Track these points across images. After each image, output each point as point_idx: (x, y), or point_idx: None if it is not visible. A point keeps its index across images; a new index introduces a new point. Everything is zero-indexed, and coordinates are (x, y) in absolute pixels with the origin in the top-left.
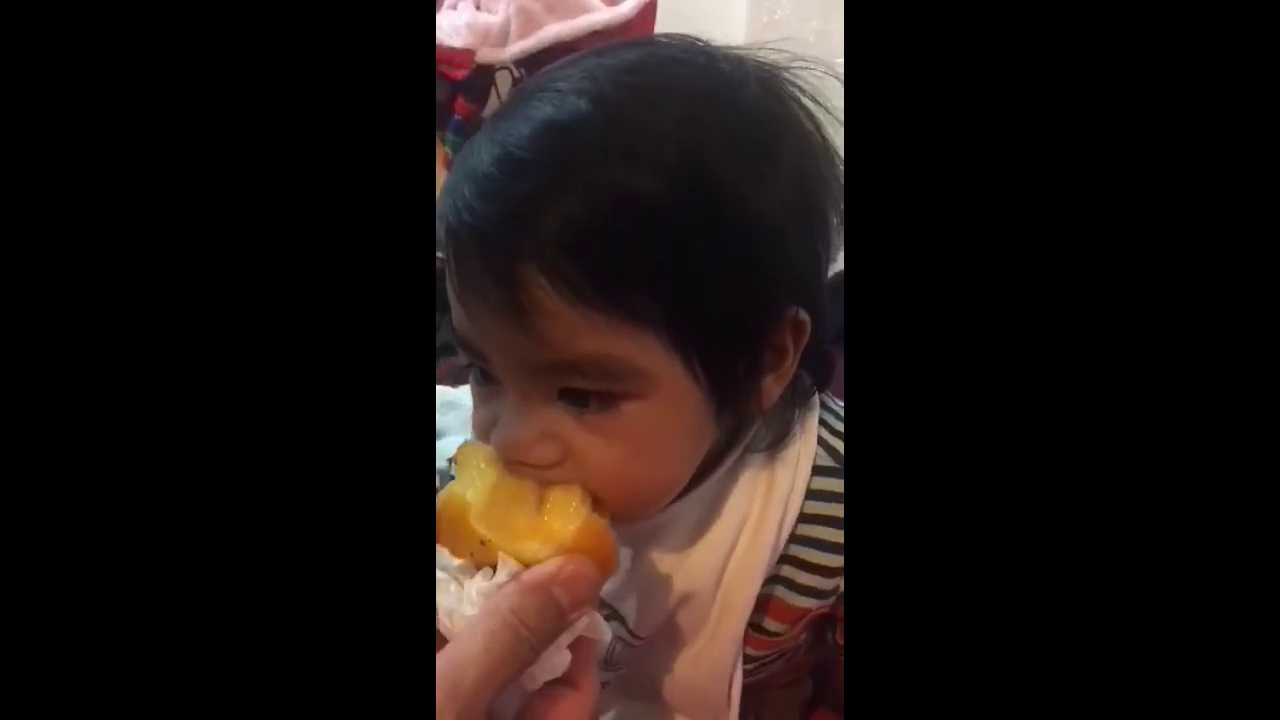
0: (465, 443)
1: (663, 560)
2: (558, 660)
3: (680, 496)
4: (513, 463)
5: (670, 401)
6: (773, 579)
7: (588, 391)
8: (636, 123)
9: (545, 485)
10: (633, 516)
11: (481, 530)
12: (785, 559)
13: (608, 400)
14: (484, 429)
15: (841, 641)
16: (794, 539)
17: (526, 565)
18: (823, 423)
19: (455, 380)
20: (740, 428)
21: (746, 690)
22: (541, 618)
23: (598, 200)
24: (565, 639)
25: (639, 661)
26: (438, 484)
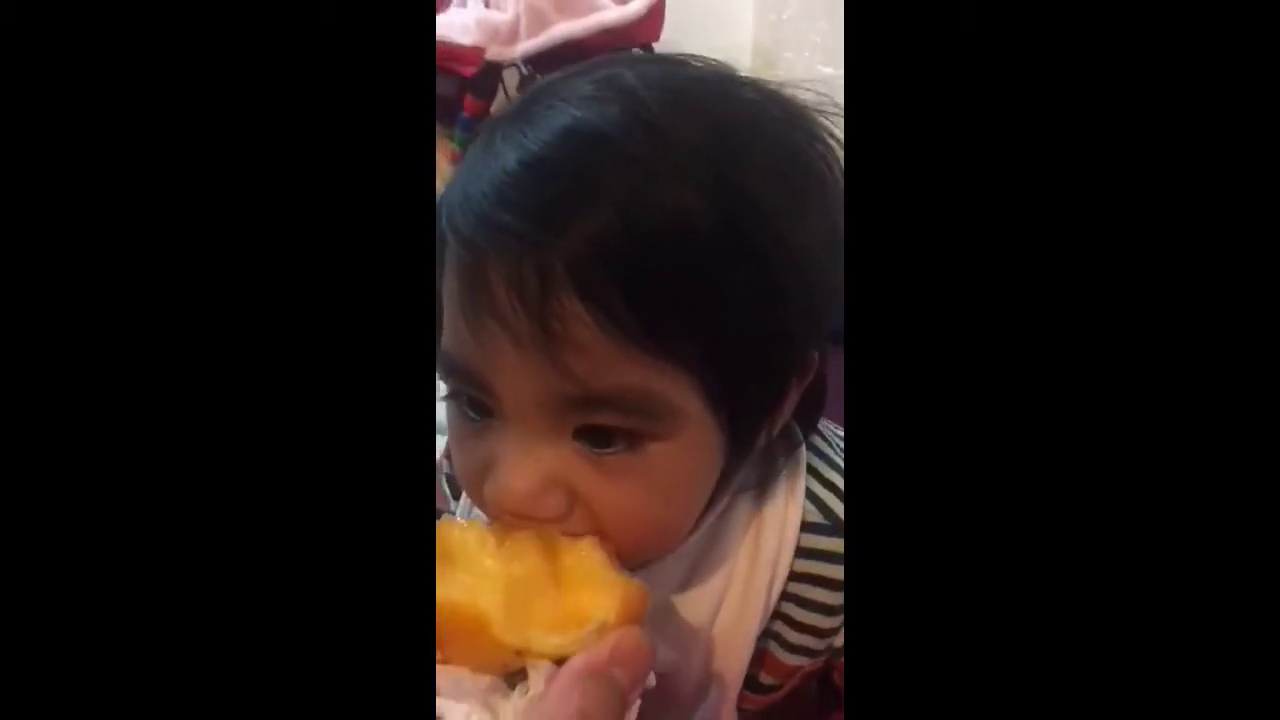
0: (443, 524)
1: (656, 619)
2: None
3: (669, 562)
4: (514, 516)
5: (694, 443)
6: (765, 634)
7: (613, 430)
8: (674, 137)
9: (552, 551)
10: (644, 561)
11: (511, 640)
12: (777, 615)
13: (634, 440)
14: (473, 474)
15: (840, 683)
16: (785, 596)
17: (563, 660)
18: (812, 472)
19: None
20: (738, 467)
21: None
22: (606, 707)
23: (637, 215)
24: None
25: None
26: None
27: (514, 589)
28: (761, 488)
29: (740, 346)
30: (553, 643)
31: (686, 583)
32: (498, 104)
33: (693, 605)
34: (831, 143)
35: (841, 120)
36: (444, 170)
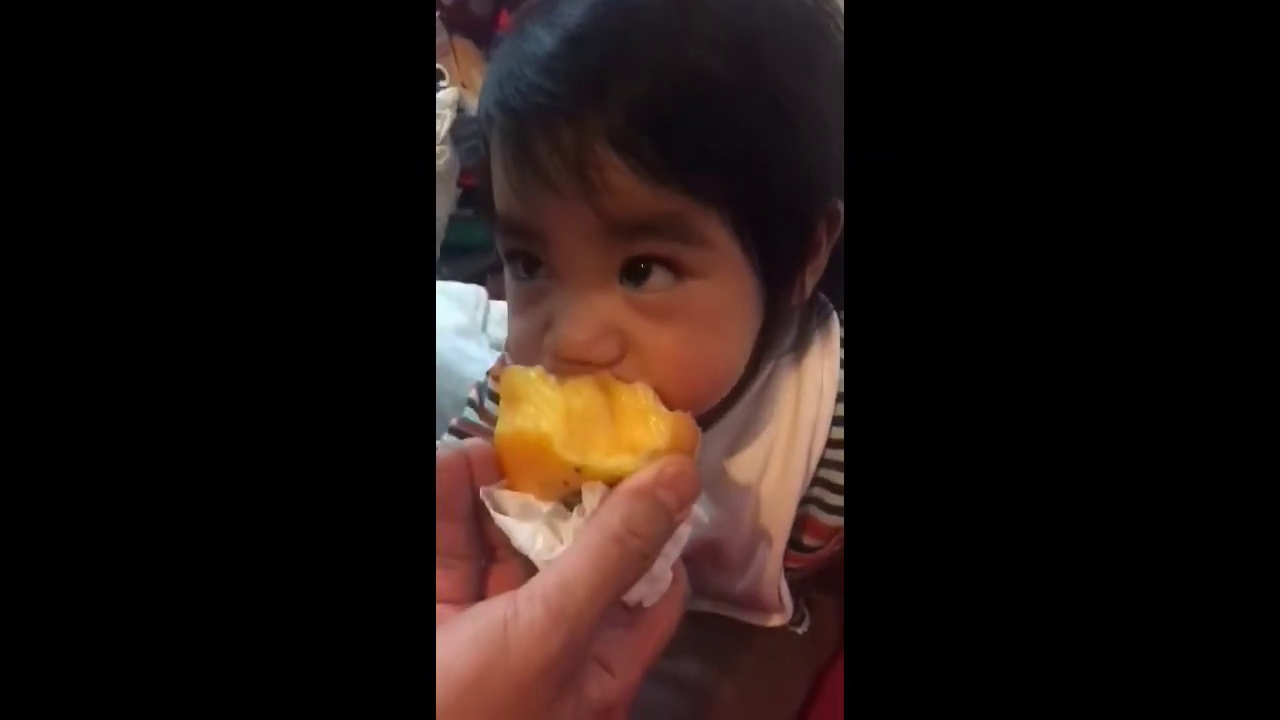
0: (508, 370)
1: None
2: (660, 570)
3: (718, 415)
4: (572, 363)
5: (729, 281)
6: (805, 500)
7: (654, 260)
8: (694, 5)
9: (608, 392)
10: (693, 406)
11: (573, 458)
12: (816, 481)
13: (671, 273)
14: (531, 334)
15: None
16: (824, 463)
17: (616, 482)
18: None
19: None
20: (776, 326)
21: (793, 586)
22: (653, 524)
23: (668, 77)
24: (672, 549)
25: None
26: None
27: (574, 416)
28: (798, 355)
29: (764, 185)
30: (609, 464)
31: (732, 449)
32: None
33: (739, 469)
34: (837, 2)
35: None
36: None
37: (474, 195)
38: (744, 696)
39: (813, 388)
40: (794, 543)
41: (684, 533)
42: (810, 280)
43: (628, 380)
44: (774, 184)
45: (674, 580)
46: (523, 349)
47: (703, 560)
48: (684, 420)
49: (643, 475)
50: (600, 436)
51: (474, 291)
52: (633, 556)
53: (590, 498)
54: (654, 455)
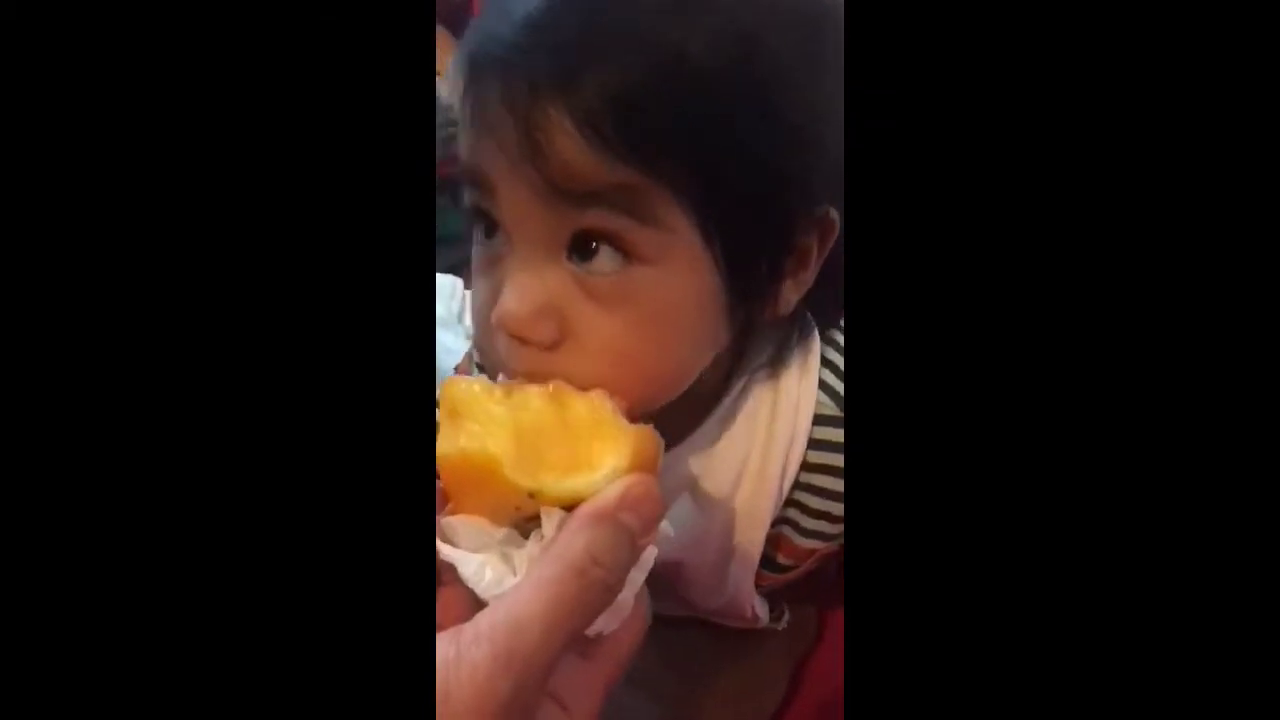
0: (448, 381)
1: (670, 499)
2: (623, 598)
3: (688, 429)
4: (511, 338)
5: (684, 273)
6: (780, 520)
7: (602, 236)
8: None
9: (560, 403)
10: (632, 407)
11: (525, 482)
12: (791, 503)
13: (620, 254)
14: (487, 301)
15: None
16: (799, 485)
17: (574, 505)
18: (827, 364)
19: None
20: (750, 337)
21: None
22: (616, 551)
23: (645, 57)
24: (636, 575)
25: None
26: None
27: (523, 434)
28: (775, 371)
29: (736, 177)
30: (566, 486)
31: (703, 464)
32: None
33: (711, 484)
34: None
35: None
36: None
37: (449, 184)
38: (723, 698)
39: (789, 406)
40: (768, 562)
41: (649, 556)
42: (793, 294)
43: (568, 374)
44: (748, 178)
45: (636, 601)
46: (479, 316)
47: (673, 578)
48: (646, 434)
49: (604, 497)
50: (554, 454)
51: (450, 281)
52: (595, 588)
53: (548, 523)
54: (615, 474)
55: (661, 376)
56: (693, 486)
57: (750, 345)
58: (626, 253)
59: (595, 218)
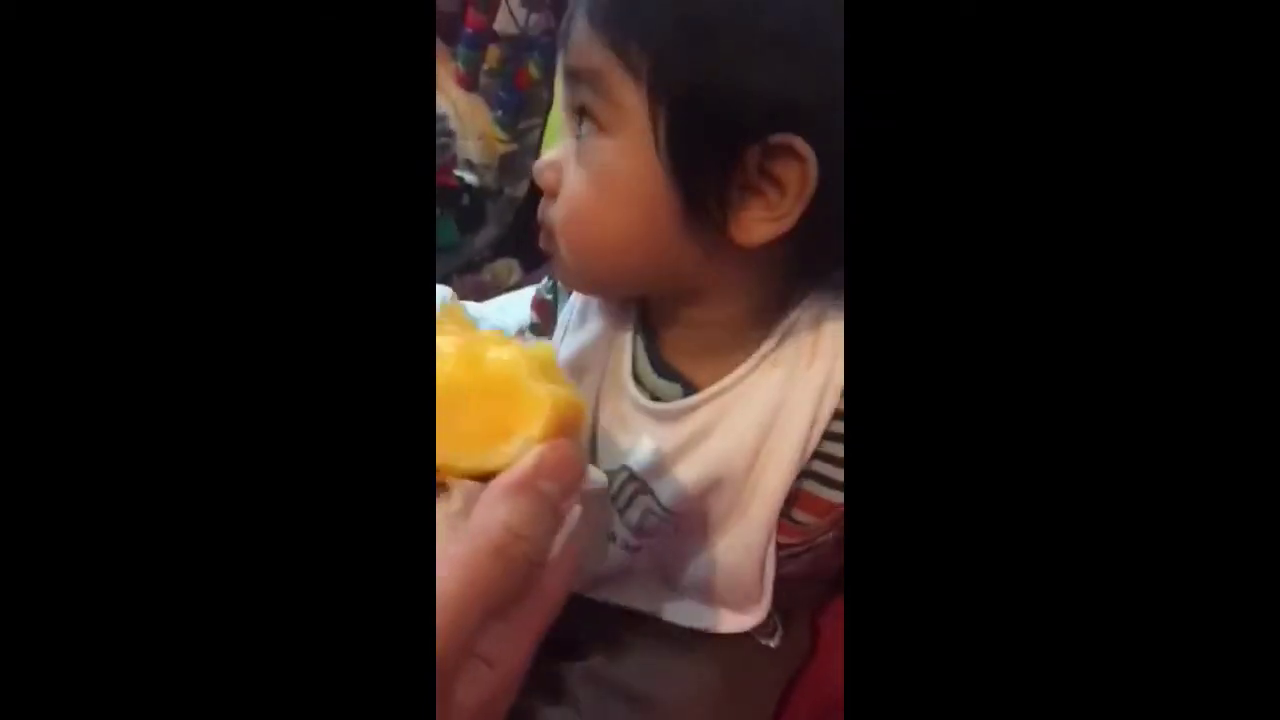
0: None
1: (694, 444)
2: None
3: (715, 389)
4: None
5: (631, 148)
6: (805, 474)
7: (583, 110)
8: None
9: (472, 364)
10: (579, 275)
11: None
12: (818, 455)
13: (595, 126)
14: None
15: None
16: (828, 436)
17: (490, 476)
18: None
19: (479, 296)
20: (790, 288)
21: (775, 580)
22: (538, 522)
23: None
24: (561, 539)
25: (670, 546)
26: None
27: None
28: (818, 320)
29: (692, 83)
30: (477, 461)
31: (727, 417)
32: (500, 18)
33: (735, 438)
34: None
35: None
36: (450, 91)
37: (442, 195)
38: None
39: (828, 353)
40: (786, 515)
41: (574, 515)
42: (764, 227)
43: (553, 219)
44: (709, 83)
45: (563, 552)
46: None
47: (689, 522)
48: (563, 397)
49: (521, 467)
50: (465, 422)
51: (441, 291)
52: (516, 562)
53: (457, 494)
54: (528, 444)
55: (604, 239)
56: (723, 426)
57: (792, 294)
58: (598, 125)
59: (582, 94)
